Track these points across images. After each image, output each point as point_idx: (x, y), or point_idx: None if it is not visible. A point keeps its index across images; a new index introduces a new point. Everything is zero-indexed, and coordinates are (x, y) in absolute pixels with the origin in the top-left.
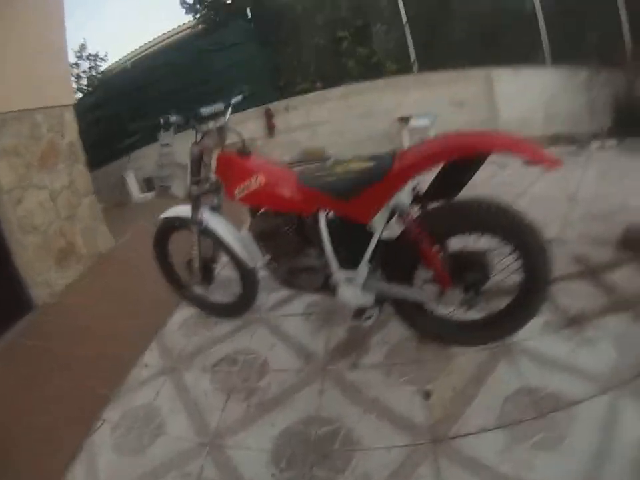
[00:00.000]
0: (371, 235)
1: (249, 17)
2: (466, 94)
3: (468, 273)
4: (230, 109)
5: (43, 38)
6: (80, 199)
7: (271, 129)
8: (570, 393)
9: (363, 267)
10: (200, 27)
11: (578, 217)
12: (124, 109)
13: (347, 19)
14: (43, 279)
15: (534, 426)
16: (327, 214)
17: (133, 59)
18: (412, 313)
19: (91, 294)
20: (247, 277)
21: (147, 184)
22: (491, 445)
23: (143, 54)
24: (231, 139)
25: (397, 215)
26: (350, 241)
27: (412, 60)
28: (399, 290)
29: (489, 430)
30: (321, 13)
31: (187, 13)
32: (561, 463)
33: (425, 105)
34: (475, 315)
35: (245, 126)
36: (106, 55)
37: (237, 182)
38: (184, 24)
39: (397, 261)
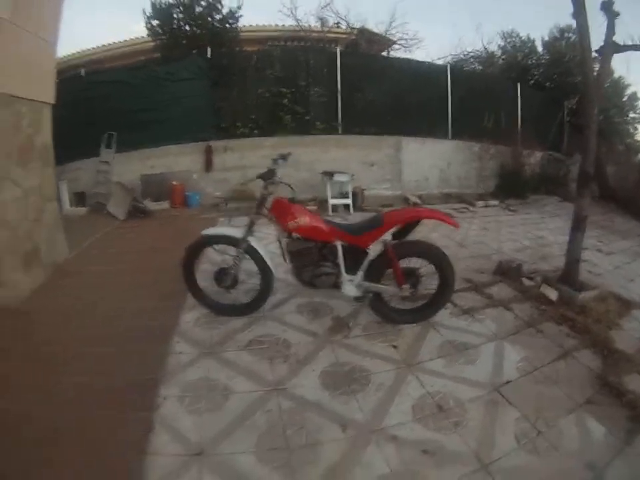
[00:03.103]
0: (366, 254)
1: (208, 55)
2: (377, 156)
3: (412, 277)
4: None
5: (39, 30)
6: (45, 203)
7: (208, 165)
8: (472, 342)
9: (360, 273)
10: (157, 54)
11: (465, 256)
12: (69, 116)
13: (291, 79)
14: (9, 279)
15: (457, 356)
16: (342, 242)
17: (84, 61)
18: (377, 304)
19: (66, 301)
20: (268, 284)
21: (78, 198)
22: (439, 365)
23: (94, 57)
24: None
25: (382, 244)
26: (353, 257)
27: (337, 123)
28: (377, 286)
29: (434, 359)
30: (272, 68)
31: (148, 34)
32: (478, 370)
33: (342, 162)
34: (411, 305)
35: (186, 158)
36: None
37: (290, 218)
38: (136, 38)
39: (377, 269)
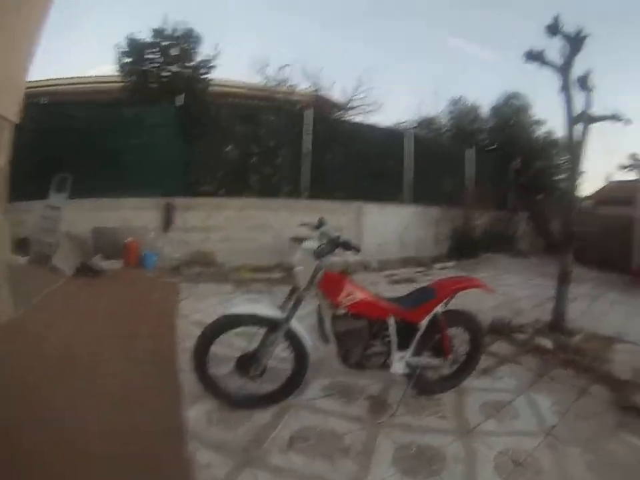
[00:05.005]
0: (416, 328)
1: (179, 103)
2: (342, 221)
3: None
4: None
5: (14, 36)
6: None
7: (168, 223)
8: (505, 399)
9: (411, 348)
10: (122, 95)
11: None
12: (20, 148)
13: (260, 138)
14: None
15: (501, 414)
16: (394, 318)
17: (48, 90)
18: (411, 378)
19: (20, 376)
20: (303, 370)
21: (18, 245)
22: (492, 425)
23: (57, 89)
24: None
25: (433, 316)
26: (405, 333)
27: (303, 187)
28: (426, 360)
29: (485, 421)
30: (242, 125)
31: (120, 71)
32: (525, 422)
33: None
34: (444, 372)
35: (144, 214)
36: None
37: (344, 294)
38: (100, 76)
39: (425, 342)
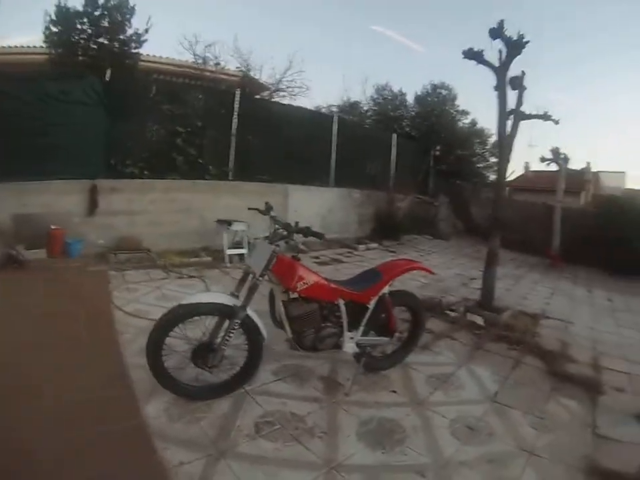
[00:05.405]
0: (364, 310)
1: (106, 78)
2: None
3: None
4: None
5: None
6: None
7: (92, 208)
8: (447, 371)
9: (361, 329)
10: (49, 65)
11: None
12: None
13: (187, 117)
14: None
15: (446, 386)
16: (344, 300)
17: None
18: (361, 357)
19: None
20: (257, 358)
21: None
22: (440, 396)
23: None
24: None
25: (380, 297)
26: (354, 314)
27: (229, 168)
28: (375, 339)
29: (433, 393)
30: (170, 104)
31: (46, 41)
32: (470, 391)
33: (234, 210)
34: (389, 350)
35: (67, 198)
36: None
37: (297, 279)
38: (24, 47)
39: (373, 322)
